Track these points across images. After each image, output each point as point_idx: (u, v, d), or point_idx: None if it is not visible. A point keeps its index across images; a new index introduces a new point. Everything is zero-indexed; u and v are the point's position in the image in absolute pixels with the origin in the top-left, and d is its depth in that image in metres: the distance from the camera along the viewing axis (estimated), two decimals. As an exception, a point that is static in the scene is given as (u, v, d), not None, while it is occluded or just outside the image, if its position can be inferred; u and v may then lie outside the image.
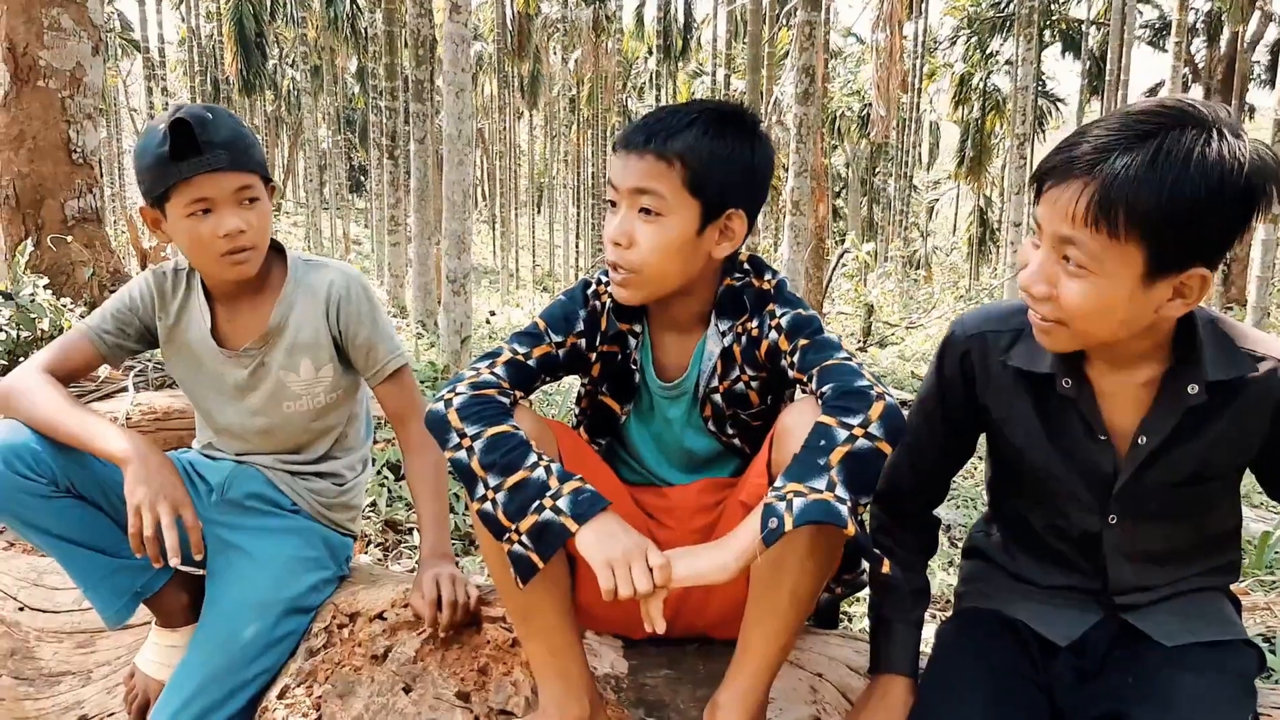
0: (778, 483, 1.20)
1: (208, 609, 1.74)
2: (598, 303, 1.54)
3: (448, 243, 7.58)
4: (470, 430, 1.32)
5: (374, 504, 3.43)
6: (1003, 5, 27.00)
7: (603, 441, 1.67)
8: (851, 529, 1.14)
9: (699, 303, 1.52)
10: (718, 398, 1.53)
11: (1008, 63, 27.39)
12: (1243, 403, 1.25)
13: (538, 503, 1.25)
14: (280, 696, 1.68)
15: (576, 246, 37.13)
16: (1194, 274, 1.13)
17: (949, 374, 1.42)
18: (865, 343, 12.65)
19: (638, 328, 1.56)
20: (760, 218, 1.58)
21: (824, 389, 1.30)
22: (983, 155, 29.91)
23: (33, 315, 4.19)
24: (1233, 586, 1.45)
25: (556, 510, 1.24)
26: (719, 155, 1.39)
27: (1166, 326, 1.24)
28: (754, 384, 1.52)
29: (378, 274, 22.92)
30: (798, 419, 1.32)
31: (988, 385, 1.39)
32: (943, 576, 3.25)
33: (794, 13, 9.82)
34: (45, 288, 4.61)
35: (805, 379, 1.36)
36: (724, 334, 1.50)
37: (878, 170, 33.85)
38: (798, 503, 1.15)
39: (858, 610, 2.86)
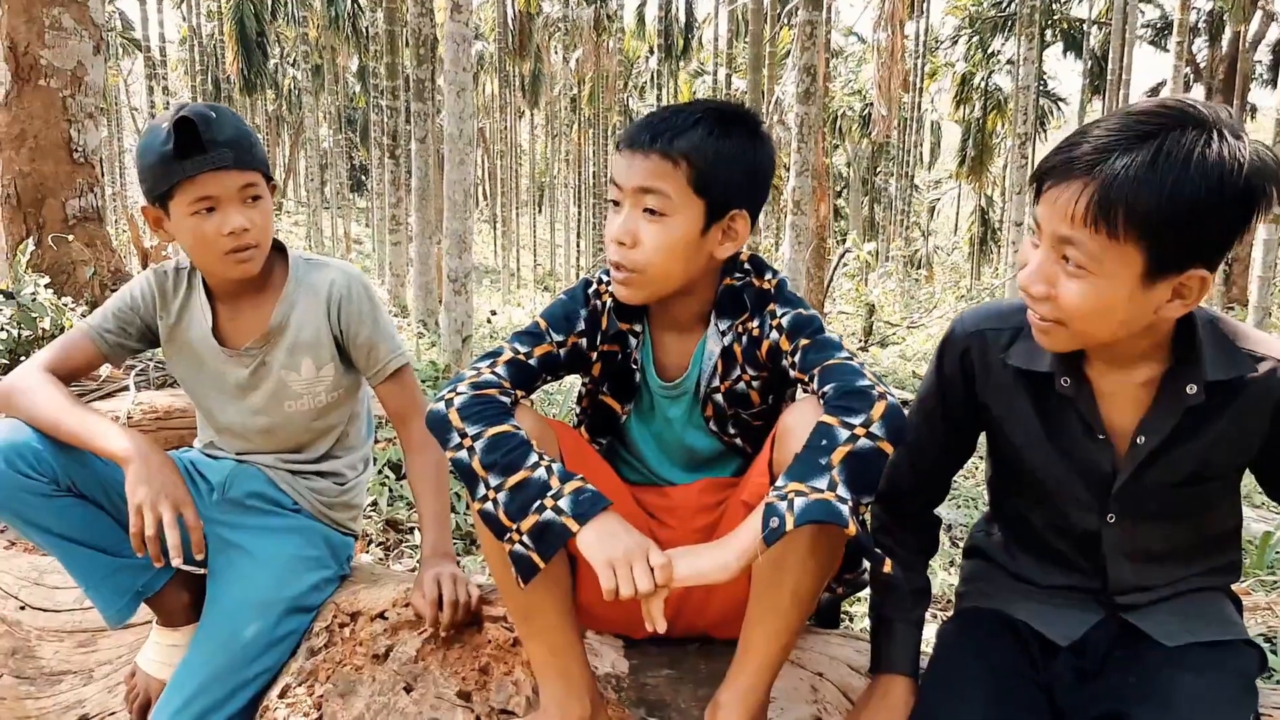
0: (779, 482, 1.20)
1: (209, 608, 1.74)
2: (598, 302, 1.54)
3: (449, 242, 7.58)
4: (471, 430, 1.32)
5: (375, 503, 3.43)
6: (1004, 5, 26.98)
7: (604, 441, 1.67)
8: (853, 528, 1.15)
9: (699, 302, 1.52)
10: (719, 397, 1.54)
11: (1009, 62, 27.37)
12: (1242, 403, 1.25)
13: (539, 503, 1.25)
14: (281, 695, 1.68)
15: (577, 246, 37.12)
16: (1193, 275, 1.13)
17: (949, 372, 1.42)
18: (867, 342, 12.64)
19: (638, 327, 1.56)
20: (761, 217, 1.58)
21: (825, 389, 1.30)
22: (984, 155, 29.90)
23: (34, 314, 4.20)
24: (1234, 586, 1.45)
25: (557, 510, 1.24)
26: (724, 155, 1.39)
27: (1166, 327, 1.24)
28: (755, 384, 1.52)
29: (379, 273, 22.94)
30: (799, 419, 1.32)
31: (987, 383, 1.39)
32: (944, 576, 3.26)
33: (795, 12, 9.82)
34: (46, 287, 4.62)
35: (806, 379, 1.36)
36: (724, 333, 1.50)
37: (879, 170, 33.86)
38: (799, 502, 1.15)
39: (859, 610, 2.86)
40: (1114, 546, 1.37)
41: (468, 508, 1.54)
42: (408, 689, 1.61)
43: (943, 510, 3.50)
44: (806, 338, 1.40)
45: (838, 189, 35.20)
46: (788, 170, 8.84)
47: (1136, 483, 1.31)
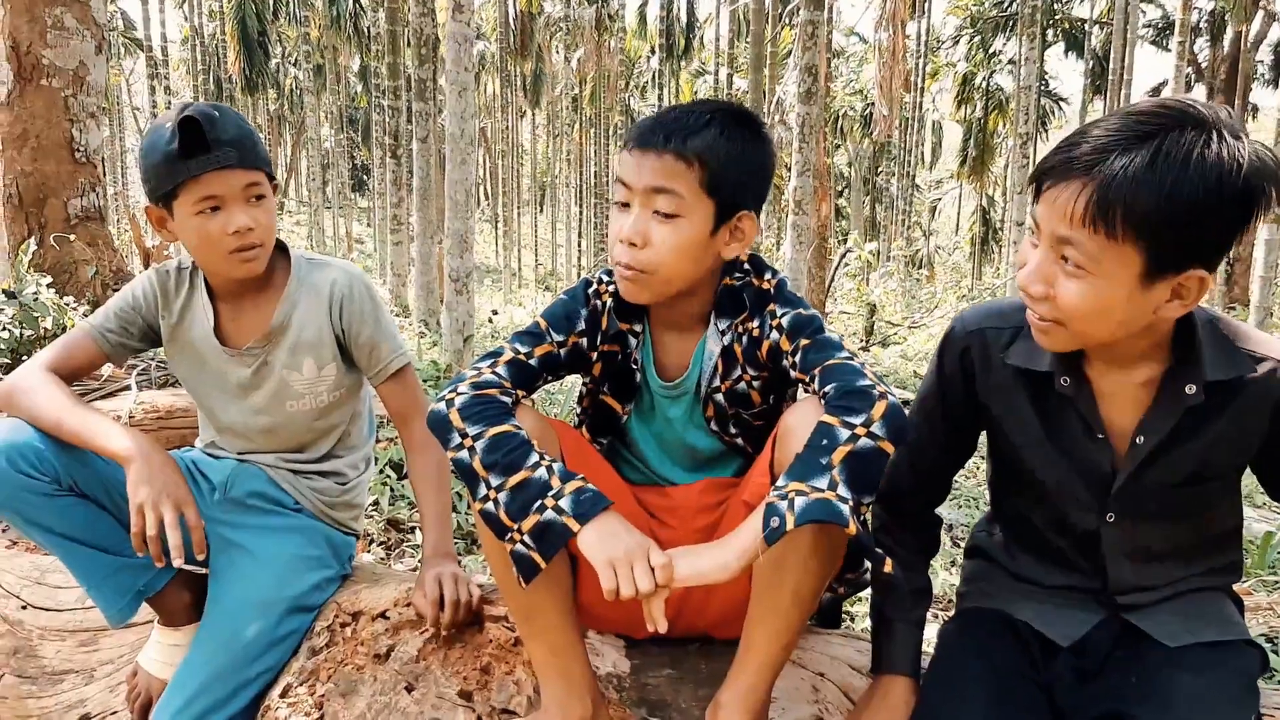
0: (780, 482, 1.20)
1: (210, 608, 1.74)
2: (598, 302, 1.54)
3: (450, 242, 7.59)
4: (472, 430, 1.32)
5: (376, 503, 3.43)
6: (1005, 5, 26.96)
7: (605, 441, 1.67)
8: (853, 528, 1.15)
9: (700, 303, 1.52)
10: (720, 397, 1.54)
11: (1010, 62, 27.36)
12: (1242, 403, 1.25)
13: (539, 503, 1.25)
14: (283, 695, 1.68)
15: (579, 245, 37.12)
16: (1192, 275, 1.13)
17: (949, 371, 1.42)
18: (868, 342, 12.64)
19: (638, 327, 1.56)
20: (762, 217, 1.58)
21: (826, 389, 1.30)
22: (985, 155, 29.89)
23: (36, 314, 4.21)
24: (1235, 586, 1.45)
25: (558, 510, 1.24)
26: (734, 155, 1.39)
27: (1165, 327, 1.24)
28: (756, 384, 1.52)
29: (380, 273, 22.96)
30: (800, 418, 1.32)
31: (988, 382, 1.39)
32: (945, 576, 3.25)
33: (797, 12, 9.82)
34: (48, 286, 4.62)
35: (807, 379, 1.36)
36: (723, 333, 1.50)
37: (880, 169, 33.82)
38: (799, 502, 1.15)
39: (860, 610, 2.86)
40: (1113, 546, 1.37)
41: (469, 507, 1.54)
42: (409, 688, 1.61)
43: (944, 510, 3.49)
44: (807, 338, 1.40)
45: (839, 189, 35.19)
46: (789, 170, 8.83)
47: (1136, 483, 1.31)
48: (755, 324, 1.48)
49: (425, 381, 5.20)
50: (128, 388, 3.64)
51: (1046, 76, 28.81)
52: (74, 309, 4.61)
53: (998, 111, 29.23)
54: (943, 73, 31.82)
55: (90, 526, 1.69)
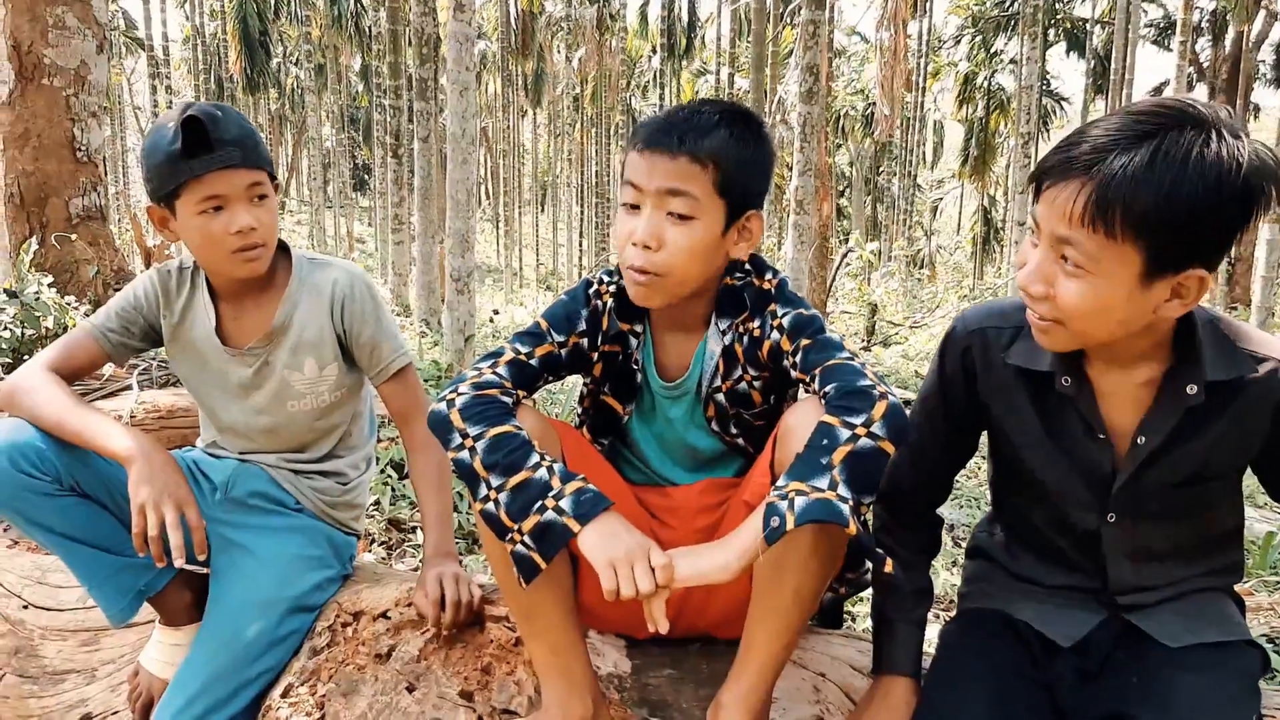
0: (780, 482, 1.21)
1: (212, 608, 1.75)
2: (599, 302, 1.54)
3: (451, 241, 7.59)
4: (473, 431, 1.32)
5: (377, 503, 3.43)
6: (1007, 4, 26.95)
7: (606, 441, 1.67)
8: (853, 528, 1.15)
9: (702, 303, 1.52)
10: (721, 397, 1.54)
11: (1012, 61, 27.35)
12: (1243, 403, 1.25)
13: (540, 503, 1.25)
14: (284, 695, 1.68)
15: (580, 245, 37.10)
16: (1192, 275, 1.12)
17: (950, 370, 1.42)
18: (869, 342, 12.64)
19: (639, 327, 1.56)
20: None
21: (827, 389, 1.30)
22: (987, 154, 29.88)
23: (37, 313, 4.21)
24: (1237, 587, 1.45)
25: (559, 510, 1.24)
26: (744, 156, 1.39)
27: (1165, 326, 1.24)
28: (756, 384, 1.52)
29: (381, 272, 22.95)
30: (801, 419, 1.32)
31: (989, 382, 1.39)
32: (946, 576, 3.26)
33: (798, 11, 9.82)
34: (49, 286, 4.63)
35: (808, 379, 1.36)
36: (724, 333, 1.50)
37: (882, 169, 33.80)
38: (800, 501, 1.15)
39: (861, 610, 2.86)
40: (1114, 546, 1.36)
41: (470, 507, 1.54)
42: (410, 688, 1.61)
43: (945, 510, 3.49)
44: (807, 338, 1.40)
45: (840, 188, 35.18)
46: (791, 169, 8.83)
47: (1137, 483, 1.31)
48: (756, 324, 1.48)
49: (426, 381, 5.20)
50: (129, 387, 3.64)
51: (1048, 76, 28.79)
52: (75, 308, 4.61)
53: (999, 111, 29.22)
54: (944, 72, 31.80)
55: (91, 526, 1.69)
